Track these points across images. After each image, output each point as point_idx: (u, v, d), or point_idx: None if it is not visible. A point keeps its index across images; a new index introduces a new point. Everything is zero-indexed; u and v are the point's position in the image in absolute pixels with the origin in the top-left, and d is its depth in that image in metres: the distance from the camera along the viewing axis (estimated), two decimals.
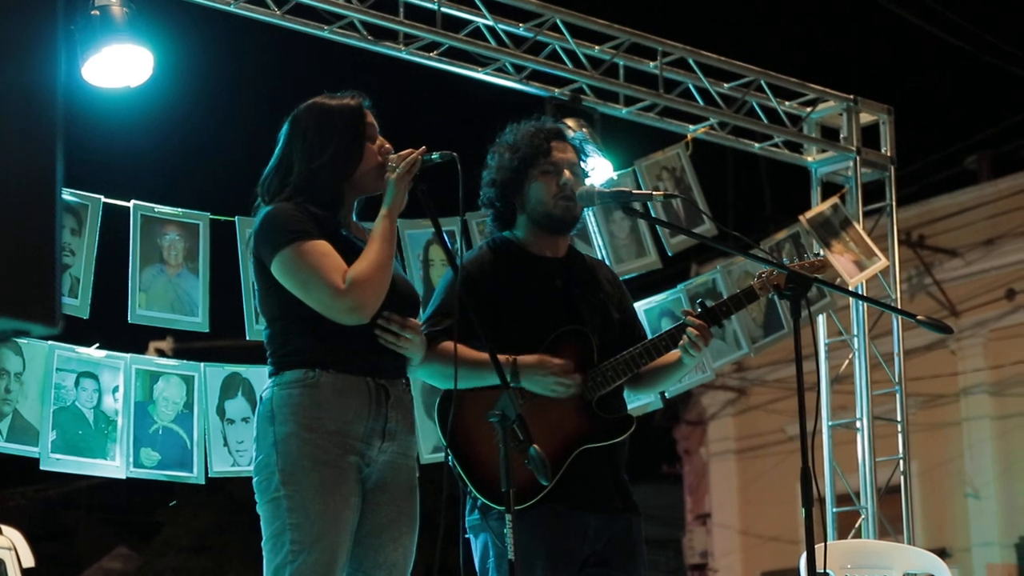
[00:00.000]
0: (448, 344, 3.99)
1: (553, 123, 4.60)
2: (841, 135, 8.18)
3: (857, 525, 7.98)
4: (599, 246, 7.03)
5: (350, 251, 3.79)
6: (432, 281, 6.41)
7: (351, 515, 3.73)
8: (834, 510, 7.97)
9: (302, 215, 3.77)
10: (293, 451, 3.69)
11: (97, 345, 5.73)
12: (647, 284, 7.67)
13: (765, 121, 7.84)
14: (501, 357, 3.89)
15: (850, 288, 7.40)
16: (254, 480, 3.77)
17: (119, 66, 5.85)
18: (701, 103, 7.55)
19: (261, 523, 3.74)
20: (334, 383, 3.74)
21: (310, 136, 3.89)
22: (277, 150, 3.95)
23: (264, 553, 3.73)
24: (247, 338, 5.93)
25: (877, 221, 8.32)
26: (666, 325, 7.18)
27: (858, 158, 8.10)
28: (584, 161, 4.46)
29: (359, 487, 3.77)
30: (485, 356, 3.91)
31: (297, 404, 3.72)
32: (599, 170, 7.01)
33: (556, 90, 7.13)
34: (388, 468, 3.83)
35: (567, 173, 4.34)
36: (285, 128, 3.96)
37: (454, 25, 6.73)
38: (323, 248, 3.74)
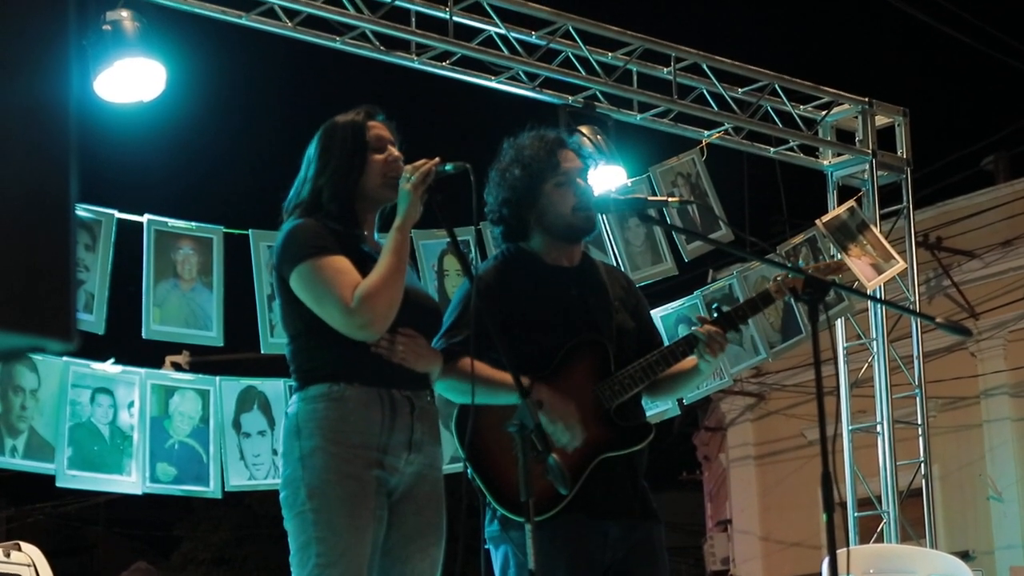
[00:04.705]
0: (466, 360, 3.95)
1: (552, 132, 4.52)
2: (856, 138, 8.15)
3: (879, 529, 7.93)
4: (614, 253, 7.00)
5: (371, 266, 3.76)
6: (447, 292, 6.38)
7: (376, 528, 3.72)
8: (856, 514, 7.92)
9: (322, 231, 3.78)
10: (319, 465, 3.68)
11: (112, 360, 5.72)
12: (664, 291, 7.65)
13: (780, 125, 7.81)
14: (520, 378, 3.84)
15: (868, 291, 7.36)
16: (281, 495, 3.76)
17: (131, 81, 5.84)
18: (715, 108, 7.52)
19: (288, 537, 3.74)
20: (359, 396, 3.73)
21: (317, 154, 3.94)
22: (301, 171, 4.00)
23: (291, 567, 3.73)
24: (262, 351, 5.91)
25: (894, 224, 8.28)
26: (683, 332, 7.15)
27: (874, 161, 8.06)
28: (588, 166, 4.40)
29: (384, 500, 3.75)
30: (503, 375, 3.87)
31: (323, 418, 3.70)
32: (613, 177, 6.99)
33: (570, 97, 7.10)
34: (414, 479, 3.81)
35: (581, 183, 4.31)
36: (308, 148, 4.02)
37: (466, 34, 6.71)
38: (339, 264, 3.72)
